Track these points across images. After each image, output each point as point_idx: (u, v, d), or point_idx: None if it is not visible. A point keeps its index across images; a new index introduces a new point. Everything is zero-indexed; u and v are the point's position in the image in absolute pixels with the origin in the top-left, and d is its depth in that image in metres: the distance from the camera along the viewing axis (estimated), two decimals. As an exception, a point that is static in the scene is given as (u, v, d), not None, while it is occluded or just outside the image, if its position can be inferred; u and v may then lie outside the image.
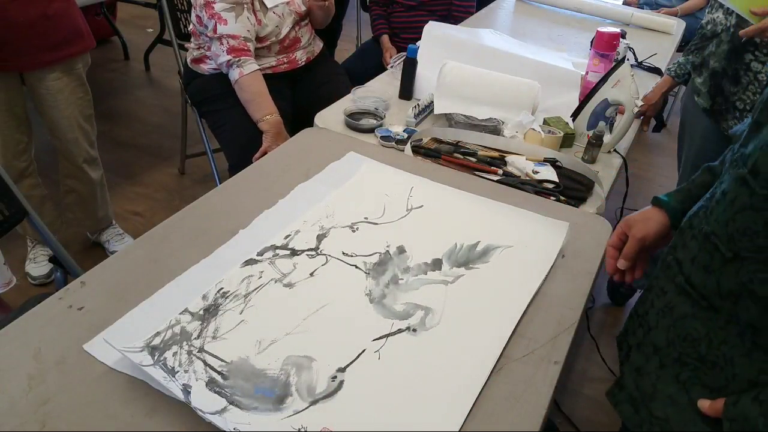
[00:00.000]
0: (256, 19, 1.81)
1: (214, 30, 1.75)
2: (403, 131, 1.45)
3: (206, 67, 1.93)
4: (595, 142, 1.42)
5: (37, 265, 2.02)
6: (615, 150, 1.50)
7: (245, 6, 1.77)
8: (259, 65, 1.82)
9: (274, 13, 1.85)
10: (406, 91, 1.71)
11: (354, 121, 1.49)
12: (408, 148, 1.39)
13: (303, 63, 2.00)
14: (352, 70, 2.33)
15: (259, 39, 1.85)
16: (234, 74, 1.77)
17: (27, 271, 2.02)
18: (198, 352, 0.82)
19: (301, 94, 2.02)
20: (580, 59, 1.88)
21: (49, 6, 1.63)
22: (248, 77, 1.77)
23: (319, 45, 2.11)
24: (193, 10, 1.84)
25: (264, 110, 1.78)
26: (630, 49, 2.02)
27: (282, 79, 1.96)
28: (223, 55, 1.76)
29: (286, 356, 0.83)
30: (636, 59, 2.10)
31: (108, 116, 3.06)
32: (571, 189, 1.32)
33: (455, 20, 2.40)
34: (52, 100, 1.77)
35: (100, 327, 0.85)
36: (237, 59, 1.75)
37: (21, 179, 1.83)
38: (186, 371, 0.79)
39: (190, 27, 1.92)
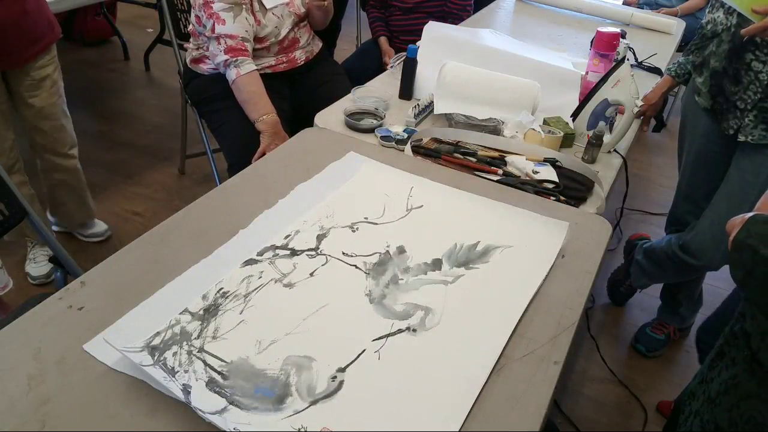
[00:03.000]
0: (255, 20, 1.81)
1: (212, 30, 1.75)
2: (403, 131, 1.45)
3: (205, 68, 1.93)
4: (595, 142, 1.42)
5: (37, 265, 2.03)
6: (615, 150, 1.50)
7: (244, 6, 1.77)
8: (258, 65, 1.82)
9: (273, 13, 1.85)
10: (406, 91, 1.71)
11: (354, 121, 1.49)
12: (408, 148, 1.39)
13: (302, 62, 2.00)
14: (352, 70, 2.33)
15: (258, 39, 1.85)
16: (231, 74, 1.77)
17: (27, 271, 2.03)
18: (198, 352, 0.82)
19: (301, 94, 2.02)
20: (580, 59, 1.88)
21: (27, 2, 1.66)
22: (245, 77, 1.77)
23: (318, 45, 2.11)
24: (192, 9, 1.85)
25: (261, 110, 1.78)
26: (630, 49, 2.02)
27: (281, 78, 1.96)
28: (221, 55, 1.76)
29: (286, 356, 0.83)
30: (636, 59, 2.10)
31: (108, 116, 3.06)
32: (571, 189, 1.32)
33: (452, 21, 2.40)
34: (37, 89, 1.78)
35: (100, 327, 0.85)
36: (234, 59, 1.75)
37: (9, 176, 1.83)
38: (186, 371, 0.79)
39: (190, 27, 1.92)
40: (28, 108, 1.80)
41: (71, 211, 2.08)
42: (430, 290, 0.98)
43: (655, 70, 2.07)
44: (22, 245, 2.07)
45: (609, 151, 1.49)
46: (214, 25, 1.75)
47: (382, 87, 1.74)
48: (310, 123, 1.52)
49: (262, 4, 1.82)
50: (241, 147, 1.80)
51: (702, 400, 0.84)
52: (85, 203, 2.10)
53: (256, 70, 1.79)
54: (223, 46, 1.75)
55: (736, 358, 0.78)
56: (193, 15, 1.85)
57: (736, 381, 0.76)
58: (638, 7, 3.03)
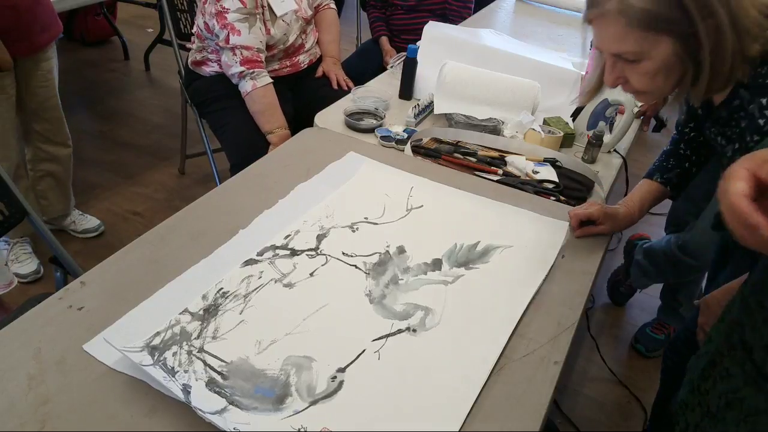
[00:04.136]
0: (266, 29, 1.80)
1: (226, 40, 1.73)
2: (403, 131, 1.45)
3: (208, 70, 1.92)
4: (595, 142, 1.42)
5: (22, 264, 2.02)
6: (615, 150, 1.50)
7: (258, 16, 1.76)
8: None
9: (283, 20, 1.84)
10: (406, 91, 1.71)
11: (354, 121, 1.49)
12: (408, 148, 1.39)
13: (305, 66, 2.00)
14: (352, 70, 2.33)
15: (267, 47, 1.84)
16: (246, 86, 1.75)
17: (15, 271, 2.02)
18: (198, 352, 0.82)
19: (302, 95, 2.02)
20: (580, 59, 1.88)
21: None
22: (261, 90, 1.75)
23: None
24: (199, 15, 1.83)
25: (274, 123, 1.77)
26: (630, 49, 2.02)
27: (284, 81, 1.96)
28: (236, 66, 1.74)
29: (286, 356, 0.83)
30: (636, 59, 2.10)
31: (108, 116, 3.06)
32: (571, 189, 1.32)
33: (452, 22, 2.40)
34: (44, 80, 1.82)
35: (100, 327, 0.85)
36: (251, 71, 1.74)
37: (18, 170, 1.85)
38: (186, 371, 0.79)
39: (195, 29, 1.91)
40: (33, 97, 1.82)
41: (53, 203, 2.09)
42: (430, 290, 0.98)
43: (655, 70, 2.06)
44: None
45: (609, 151, 1.49)
46: (228, 35, 1.72)
47: (382, 87, 1.74)
48: (310, 123, 1.52)
49: (272, 12, 1.81)
50: (244, 147, 1.80)
51: (699, 413, 0.80)
52: (67, 195, 2.12)
53: (272, 83, 1.79)
54: (239, 58, 1.74)
55: (731, 369, 0.75)
56: (201, 21, 1.82)
57: (740, 396, 0.73)
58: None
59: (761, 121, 0.82)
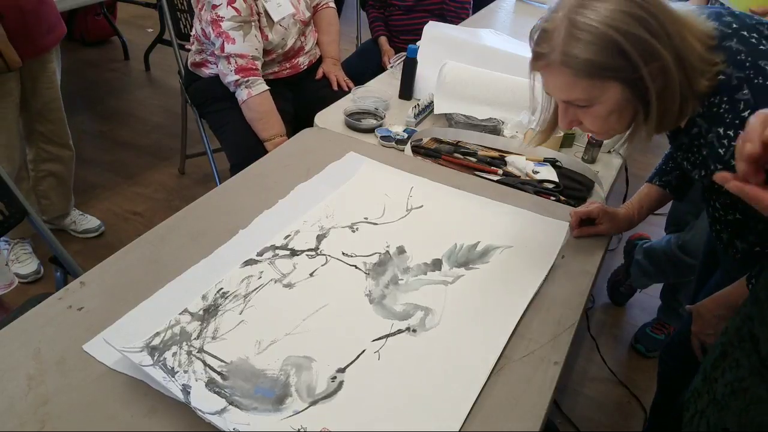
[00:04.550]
0: (262, 36, 1.80)
1: (222, 48, 1.72)
2: (403, 131, 1.45)
3: (207, 71, 1.92)
4: (595, 142, 1.42)
5: (22, 264, 2.02)
6: (615, 150, 1.50)
7: (253, 24, 1.75)
8: (261, 72, 1.81)
9: (280, 25, 1.84)
10: (406, 91, 1.71)
11: (354, 121, 1.49)
12: (408, 148, 1.39)
13: (305, 67, 2.00)
14: (352, 70, 2.32)
15: (265, 52, 1.84)
16: (242, 95, 1.75)
17: (15, 271, 2.01)
18: (198, 352, 0.82)
19: (302, 95, 2.02)
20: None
21: None
22: (257, 98, 1.75)
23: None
24: (197, 21, 1.82)
25: (272, 130, 1.77)
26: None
27: (284, 83, 1.95)
28: (231, 75, 1.74)
29: (286, 356, 0.83)
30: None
31: (108, 116, 3.06)
32: (571, 189, 1.32)
33: (450, 22, 2.40)
34: (49, 82, 1.82)
35: (99, 327, 0.85)
36: (246, 79, 1.74)
37: (20, 171, 1.85)
38: (185, 371, 0.79)
39: (193, 32, 1.91)
40: (38, 99, 1.82)
41: (54, 203, 2.09)
42: (430, 290, 0.98)
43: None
44: None
45: (609, 151, 1.49)
46: (223, 44, 1.71)
47: (382, 87, 1.74)
48: (310, 123, 1.52)
49: (269, 18, 1.80)
50: (244, 147, 1.80)
51: (707, 399, 0.82)
52: (68, 195, 2.12)
53: (268, 90, 1.78)
54: (234, 66, 1.73)
55: (741, 360, 0.76)
56: (198, 26, 1.82)
57: (744, 385, 0.75)
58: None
59: (721, 151, 0.83)
